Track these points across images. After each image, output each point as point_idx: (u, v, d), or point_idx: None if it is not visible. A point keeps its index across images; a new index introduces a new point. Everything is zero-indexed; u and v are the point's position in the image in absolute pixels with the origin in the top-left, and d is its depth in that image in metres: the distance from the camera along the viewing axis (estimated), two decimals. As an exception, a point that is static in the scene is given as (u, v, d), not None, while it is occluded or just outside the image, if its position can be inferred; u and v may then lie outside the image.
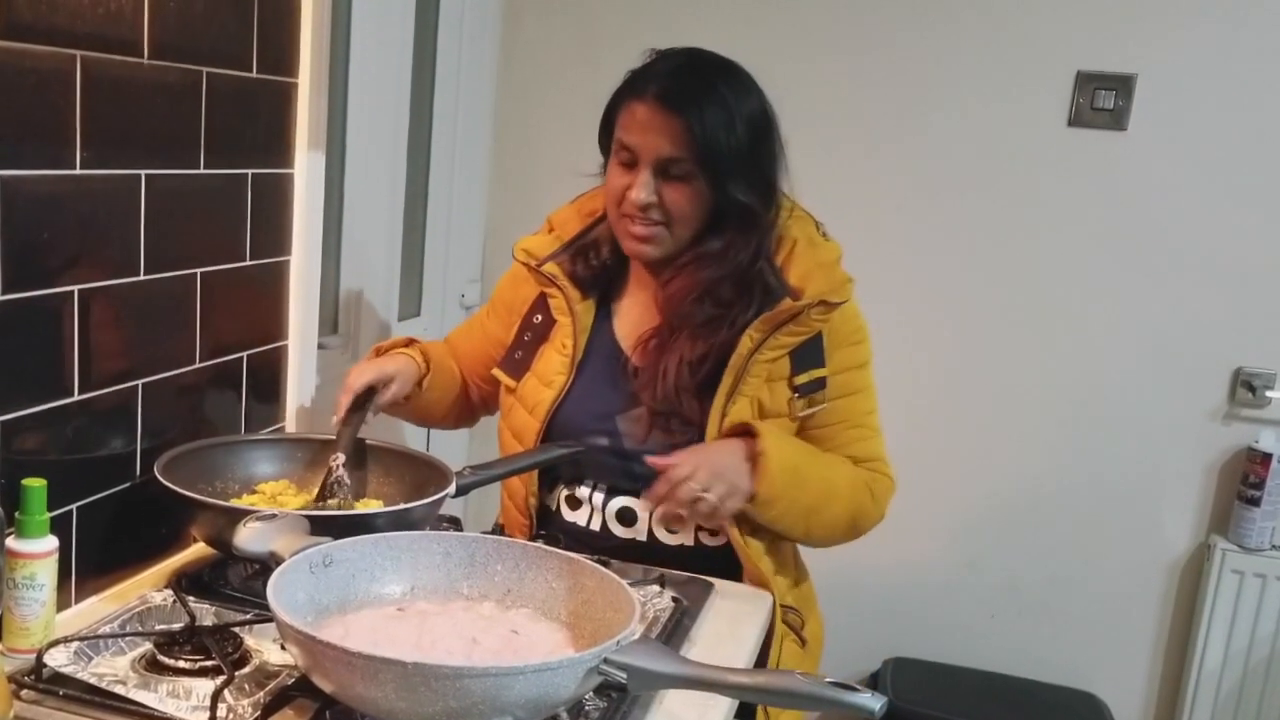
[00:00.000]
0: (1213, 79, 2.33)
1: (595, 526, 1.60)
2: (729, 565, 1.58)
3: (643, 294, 1.61)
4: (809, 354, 1.53)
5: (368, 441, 1.61)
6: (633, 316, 1.61)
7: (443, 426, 1.85)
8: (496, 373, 1.66)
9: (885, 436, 1.64)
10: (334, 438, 1.52)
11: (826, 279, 1.52)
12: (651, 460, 1.47)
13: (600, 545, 1.56)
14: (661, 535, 1.58)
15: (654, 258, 1.54)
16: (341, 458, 1.49)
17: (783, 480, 1.47)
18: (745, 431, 1.50)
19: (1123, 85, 2.36)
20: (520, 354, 1.64)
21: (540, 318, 1.63)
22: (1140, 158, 2.39)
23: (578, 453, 1.55)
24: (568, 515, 1.62)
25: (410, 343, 1.69)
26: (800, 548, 1.68)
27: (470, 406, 1.79)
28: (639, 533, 1.58)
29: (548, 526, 1.62)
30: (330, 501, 1.46)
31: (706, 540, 1.59)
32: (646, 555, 1.55)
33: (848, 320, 1.57)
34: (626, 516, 1.58)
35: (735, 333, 1.50)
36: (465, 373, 1.75)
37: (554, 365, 1.59)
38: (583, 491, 1.60)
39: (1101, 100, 2.37)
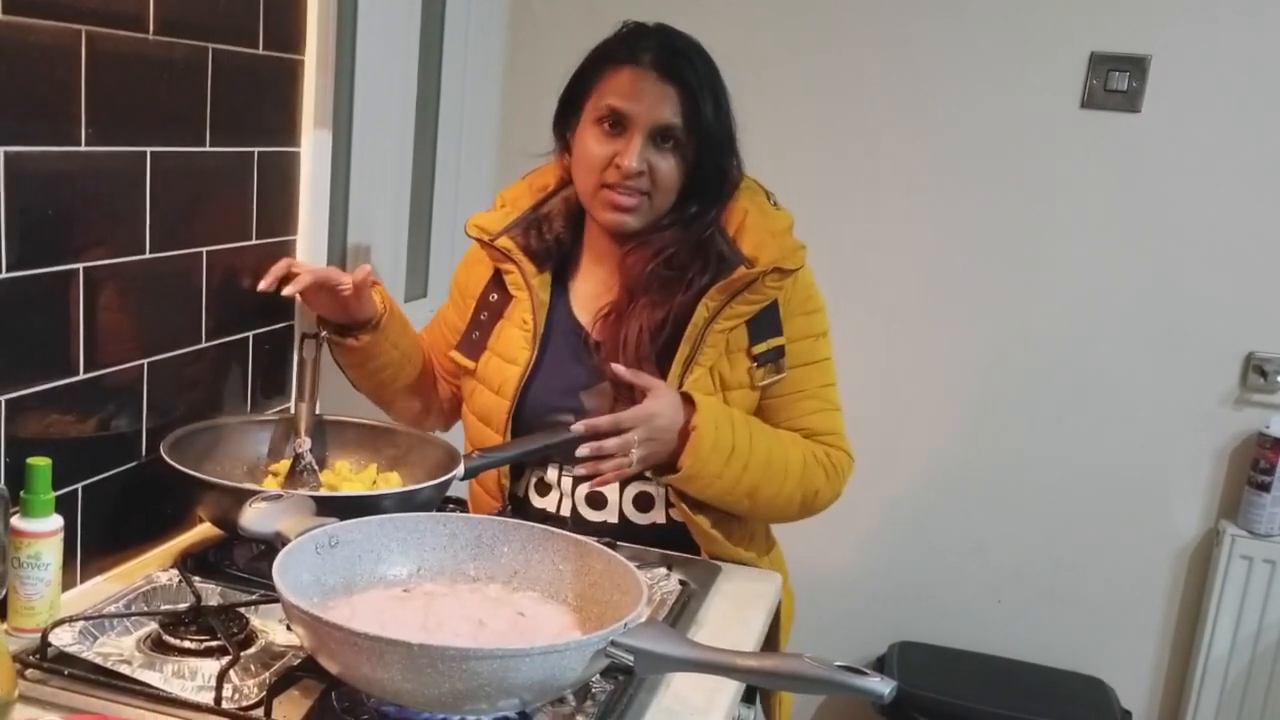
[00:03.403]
0: (1228, 61, 2.31)
1: (565, 512, 1.58)
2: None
3: (598, 269, 1.59)
4: (766, 323, 1.53)
5: (375, 423, 1.60)
6: (589, 292, 1.59)
7: (406, 417, 1.72)
8: (454, 355, 1.62)
9: (845, 413, 1.61)
10: (344, 418, 1.51)
11: (779, 247, 1.51)
12: (579, 425, 1.45)
13: (571, 530, 1.54)
14: (633, 516, 1.57)
15: (633, 228, 1.52)
16: (308, 442, 1.50)
17: (716, 460, 1.46)
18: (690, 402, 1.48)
19: (1136, 67, 2.34)
20: (477, 334, 1.61)
21: (496, 296, 1.61)
22: (1154, 140, 2.36)
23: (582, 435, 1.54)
24: (537, 502, 1.60)
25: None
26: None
27: (438, 402, 1.73)
28: (610, 514, 1.57)
29: (518, 514, 1.60)
30: (299, 490, 1.44)
31: (659, 519, 1.56)
32: (619, 537, 1.52)
33: (802, 288, 1.56)
34: (596, 500, 1.57)
35: (691, 298, 1.49)
36: (435, 370, 1.72)
37: (516, 342, 1.57)
38: (551, 475, 1.58)
39: (1115, 82, 2.35)
